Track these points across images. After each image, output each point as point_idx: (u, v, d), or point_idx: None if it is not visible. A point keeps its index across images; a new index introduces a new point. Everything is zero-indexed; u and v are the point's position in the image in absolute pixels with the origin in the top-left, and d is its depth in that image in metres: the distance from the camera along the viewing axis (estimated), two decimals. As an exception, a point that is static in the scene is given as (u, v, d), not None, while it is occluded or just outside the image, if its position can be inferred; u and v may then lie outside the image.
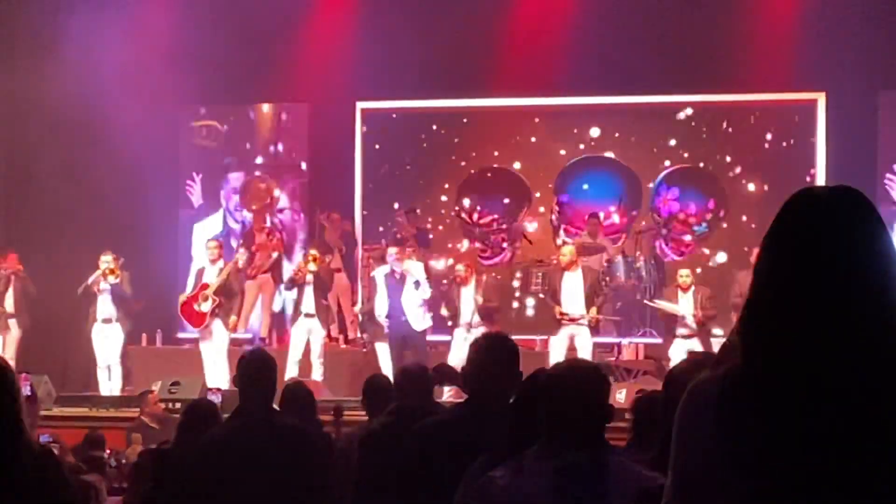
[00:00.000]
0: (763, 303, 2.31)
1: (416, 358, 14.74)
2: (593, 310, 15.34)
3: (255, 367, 6.16)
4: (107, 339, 15.93)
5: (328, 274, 16.35)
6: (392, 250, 16.09)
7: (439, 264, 18.39)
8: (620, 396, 13.54)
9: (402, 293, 15.64)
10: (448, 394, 12.60)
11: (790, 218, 2.34)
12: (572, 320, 15.32)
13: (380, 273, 16.11)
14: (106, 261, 15.75)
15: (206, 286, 15.94)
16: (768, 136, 18.84)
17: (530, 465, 3.87)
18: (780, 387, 2.23)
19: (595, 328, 15.51)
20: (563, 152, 19.43)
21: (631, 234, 18.38)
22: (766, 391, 2.23)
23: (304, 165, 19.64)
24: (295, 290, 16.20)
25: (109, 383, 15.99)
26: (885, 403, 2.20)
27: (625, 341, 16.55)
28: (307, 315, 15.93)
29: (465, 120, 19.67)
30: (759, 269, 2.36)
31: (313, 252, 16.26)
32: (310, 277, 15.87)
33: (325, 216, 18.11)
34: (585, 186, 19.34)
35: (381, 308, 15.80)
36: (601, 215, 18.44)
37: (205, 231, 19.06)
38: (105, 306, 15.88)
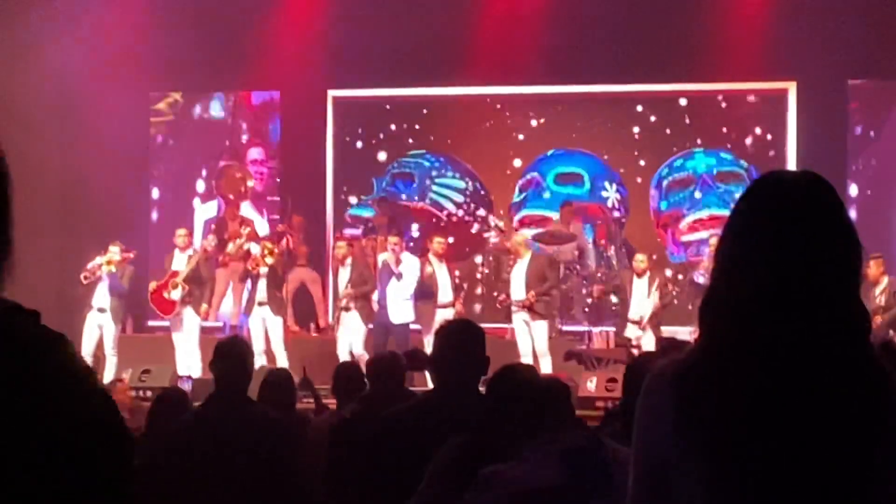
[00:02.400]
0: (724, 286, 2.32)
1: (399, 348, 14.83)
2: (531, 293, 15.39)
3: (232, 353, 6.18)
4: (99, 328, 15.87)
5: (283, 266, 16.33)
6: (393, 239, 16.13)
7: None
8: (591, 385, 13.59)
9: (389, 283, 15.68)
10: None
11: (753, 202, 2.35)
12: (521, 306, 15.40)
13: (380, 259, 16.22)
14: (114, 251, 15.74)
15: (175, 274, 15.91)
16: (739, 125, 18.91)
17: (533, 453, 3.88)
18: (738, 370, 2.24)
19: (531, 309, 15.48)
20: (538, 146, 19.47)
21: (602, 222, 18.45)
22: (724, 375, 2.25)
23: (275, 154, 19.62)
24: (249, 281, 16.23)
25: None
26: (843, 388, 2.22)
27: (595, 329, 16.56)
28: (259, 304, 15.92)
29: (432, 109, 19.69)
30: (720, 252, 2.37)
31: (269, 245, 16.21)
32: (265, 270, 15.86)
33: (286, 225, 18.11)
34: (558, 171, 19.37)
35: (375, 294, 15.90)
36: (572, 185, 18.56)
37: (204, 215, 19.17)
38: (101, 295, 15.83)
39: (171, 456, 6.02)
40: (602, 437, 3.95)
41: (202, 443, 5.93)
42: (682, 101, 19.10)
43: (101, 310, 15.86)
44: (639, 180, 19.18)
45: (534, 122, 19.49)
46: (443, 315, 15.35)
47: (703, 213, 18.72)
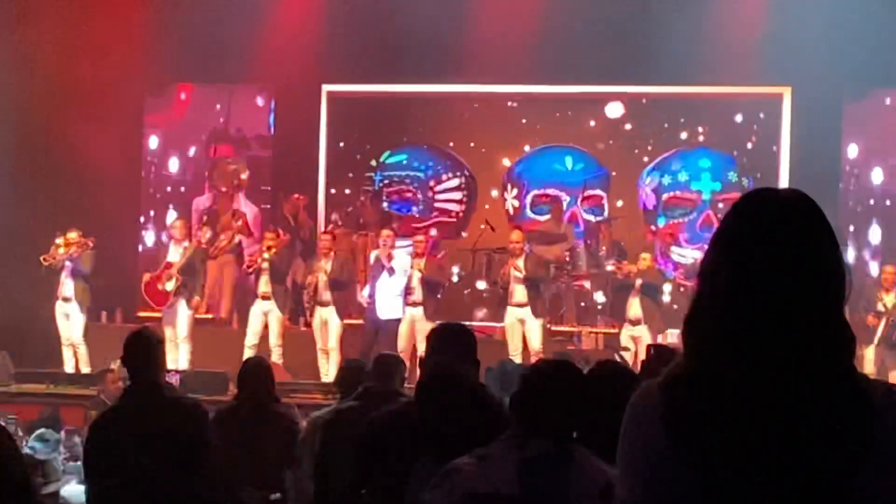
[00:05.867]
0: (707, 302, 2.33)
1: (387, 344, 14.86)
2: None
3: (140, 345, 6.27)
4: (67, 318, 15.89)
5: (284, 259, 16.32)
6: (385, 233, 16.16)
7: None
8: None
9: (379, 279, 15.69)
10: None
11: (740, 219, 2.36)
12: (518, 304, 15.45)
13: (372, 256, 16.21)
14: (71, 236, 15.72)
15: (170, 265, 15.92)
16: (735, 128, 18.94)
17: (496, 453, 3.89)
18: (721, 387, 2.25)
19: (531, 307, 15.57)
20: (527, 144, 19.51)
21: (594, 222, 18.48)
22: (708, 391, 2.26)
23: (268, 148, 19.61)
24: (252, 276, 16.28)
25: (74, 361, 15.94)
26: (825, 408, 2.23)
27: (585, 330, 16.59)
28: (263, 297, 15.95)
29: (425, 104, 19.71)
30: (705, 268, 2.37)
31: (268, 238, 16.23)
32: (266, 264, 15.88)
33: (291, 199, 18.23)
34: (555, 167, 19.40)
35: (365, 290, 15.86)
36: (564, 201, 18.59)
37: (197, 207, 19.22)
38: (66, 284, 15.83)
39: (95, 446, 6.19)
40: (574, 448, 3.93)
41: (124, 432, 6.05)
42: (677, 103, 19.13)
43: (66, 299, 15.85)
44: (630, 181, 19.21)
45: (524, 120, 19.51)
46: (411, 313, 15.45)
47: (701, 249, 18.70)
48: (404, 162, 19.64)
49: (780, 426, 2.21)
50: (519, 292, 15.57)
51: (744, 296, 2.27)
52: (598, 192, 19.14)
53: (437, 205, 19.59)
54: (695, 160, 18.98)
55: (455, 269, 18.45)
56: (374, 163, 19.67)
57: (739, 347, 2.25)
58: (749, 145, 18.88)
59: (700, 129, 19.06)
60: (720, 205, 18.54)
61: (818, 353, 2.25)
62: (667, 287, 16.90)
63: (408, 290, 15.66)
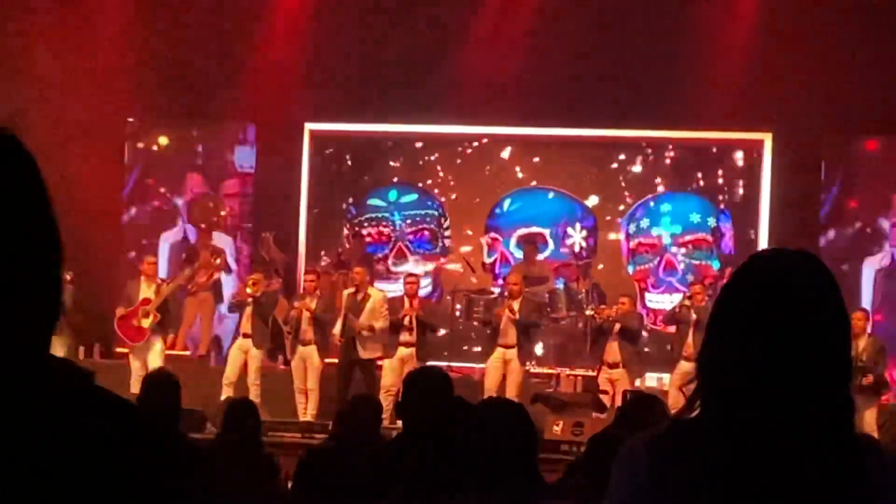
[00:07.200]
0: (711, 365, 2.31)
1: (365, 382, 14.78)
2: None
3: (155, 388, 6.18)
4: (50, 353, 15.80)
5: (269, 297, 16.27)
6: (357, 269, 16.14)
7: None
8: (557, 429, 13.57)
9: (358, 316, 15.62)
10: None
11: (745, 282, 2.33)
12: (506, 346, 15.43)
13: (345, 293, 16.13)
14: None
15: (147, 301, 15.85)
16: (712, 173, 19.02)
17: None
18: (716, 447, 2.22)
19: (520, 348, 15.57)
20: (512, 185, 19.53)
21: (574, 264, 18.51)
22: (702, 450, 2.23)
23: (249, 185, 19.59)
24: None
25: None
26: (824, 476, 2.21)
27: (563, 372, 16.55)
28: (244, 335, 15.90)
29: (409, 145, 19.79)
30: (711, 327, 2.34)
31: (254, 276, 16.21)
32: (250, 300, 15.85)
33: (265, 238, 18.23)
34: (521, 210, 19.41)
35: (336, 328, 15.79)
36: (545, 244, 18.62)
37: (168, 242, 19.19)
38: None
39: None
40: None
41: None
42: (654, 147, 19.22)
43: None
44: (608, 220, 19.26)
45: (508, 160, 19.58)
46: (403, 352, 15.43)
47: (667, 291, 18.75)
48: (385, 203, 19.60)
49: (779, 495, 2.19)
50: (510, 334, 15.52)
51: (749, 359, 2.25)
52: (572, 238, 19.15)
53: (445, 242, 19.62)
54: (656, 205, 19.05)
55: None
56: (352, 202, 19.67)
57: (742, 411, 2.23)
58: (728, 190, 18.94)
59: (675, 174, 19.16)
60: (682, 249, 18.63)
61: (821, 421, 2.22)
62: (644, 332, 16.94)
63: (400, 330, 15.61)
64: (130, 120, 19.51)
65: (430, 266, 19.33)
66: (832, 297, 2.29)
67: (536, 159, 19.55)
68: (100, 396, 1.75)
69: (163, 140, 19.74)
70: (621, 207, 19.27)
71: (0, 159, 1.79)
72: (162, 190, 19.66)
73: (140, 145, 19.66)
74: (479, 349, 17.01)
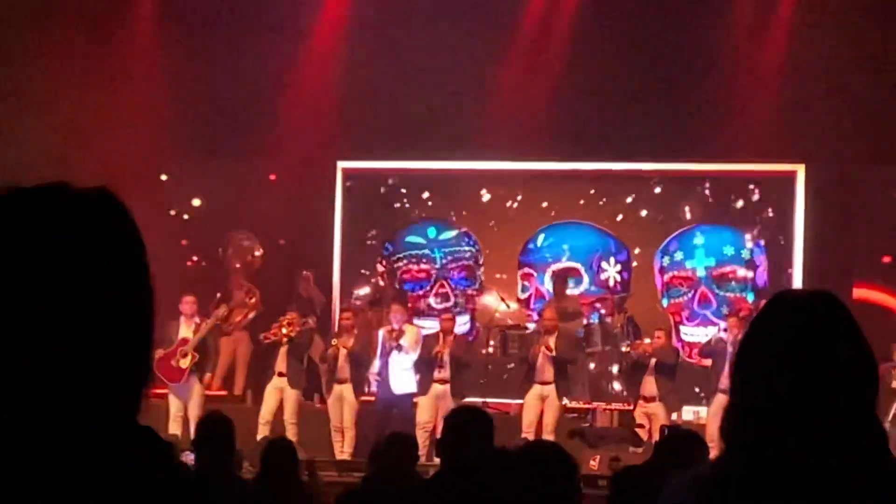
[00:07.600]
0: (742, 405, 2.34)
1: (402, 419, 14.79)
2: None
3: (210, 428, 6.20)
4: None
5: (304, 336, 16.29)
6: (394, 307, 16.21)
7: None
8: (594, 464, 13.54)
9: (391, 354, 15.66)
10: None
11: (771, 322, 2.38)
12: (544, 382, 15.40)
13: (381, 332, 16.17)
14: None
15: (185, 341, 15.90)
16: (745, 205, 18.97)
17: None
18: (757, 488, 2.24)
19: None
20: (544, 221, 19.52)
21: (610, 299, 18.46)
22: (743, 492, 2.24)
23: (283, 224, 19.57)
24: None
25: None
26: (866, 497, 2.22)
27: (600, 407, 16.50)
28: (279, 374, 15.93)
29: (440, 181, 19.81)
30: (739, 368, 2.38)
31: (289, 316, 16.24)
32: (286, 340, 15.89)
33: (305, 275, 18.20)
34: (564, 247, 19.36)
35: (374, 366, 15.82)
36: (580, 278, 18.59)
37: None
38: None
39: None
40: None
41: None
42: (687, 180, 19.20)
43: None
44: (640, 252, 19.21)
45: (540, 196, 19.55)
46: (438, 389, 15.40)
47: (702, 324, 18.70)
48: (425, 239, 19.60)
49: None
50: (547, 370, 15.50)
51: (779, 398, 2.29)
52: (607, 272, 19.10)
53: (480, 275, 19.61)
54: (689, 238, 19.00)
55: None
56: (386, 239, 19.67)
57: (777, 452, 2.26)
58: (762, 221, 18.87)
59: (708, 206, 19.11)
60: (716, 281, 18.58)
61: (856, 457, 2.25)
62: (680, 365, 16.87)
63: (436, 367, 15.61)
64: (164, 178, 19.60)
65: (468, 303, 19.30)
66: (852, 334, 2.34)
67: (567, 194, 19.52)
68: (176, 470, 1.80)
69: (196, 177, 19.74)
70: (647, 239, 19.24)
71: (109, 225, 1.79)
72: (195, 229, 19.69)
73: (172, 213, 19.67)
74: (514, 384, 16.98)
